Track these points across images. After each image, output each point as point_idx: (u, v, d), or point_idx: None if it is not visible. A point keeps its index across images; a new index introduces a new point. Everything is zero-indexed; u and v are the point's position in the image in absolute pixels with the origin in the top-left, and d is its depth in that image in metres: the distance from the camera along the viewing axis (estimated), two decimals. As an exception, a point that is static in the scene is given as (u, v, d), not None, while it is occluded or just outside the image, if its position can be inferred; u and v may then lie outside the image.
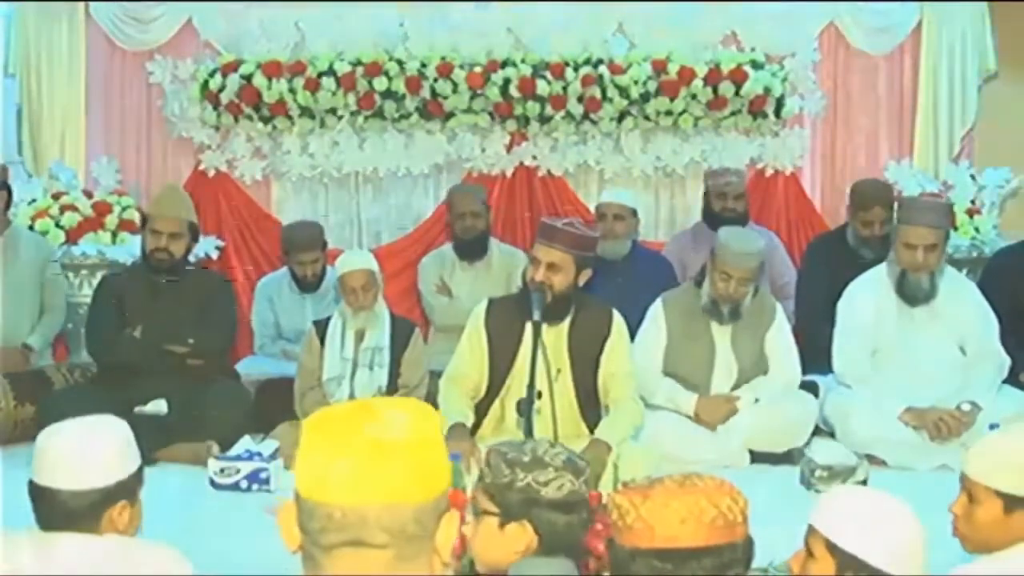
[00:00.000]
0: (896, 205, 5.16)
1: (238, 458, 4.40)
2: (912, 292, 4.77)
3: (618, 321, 4.14)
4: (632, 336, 4.37)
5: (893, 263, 4.81)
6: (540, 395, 3.67)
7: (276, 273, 5.98)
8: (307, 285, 5.74)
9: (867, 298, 4.87)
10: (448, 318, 5.53)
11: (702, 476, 1.95)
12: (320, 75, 6.23)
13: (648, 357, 4.69)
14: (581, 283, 4.00)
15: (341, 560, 1.39)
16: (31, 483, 2.28)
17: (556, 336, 4.01)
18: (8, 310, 5.20)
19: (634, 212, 5.70)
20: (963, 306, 4.86)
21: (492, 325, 4.08)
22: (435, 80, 6.21)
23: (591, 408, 4.12)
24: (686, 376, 4.76)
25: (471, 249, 5.81)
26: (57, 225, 6.04)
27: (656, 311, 4.82)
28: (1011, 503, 2.36)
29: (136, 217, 5.95)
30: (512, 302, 4.09)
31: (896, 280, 4.78)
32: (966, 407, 4.67)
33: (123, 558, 2.23)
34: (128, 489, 2.31)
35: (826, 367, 4.98)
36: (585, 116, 6.28)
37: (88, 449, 2.26)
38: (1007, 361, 4.84)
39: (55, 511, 2.24)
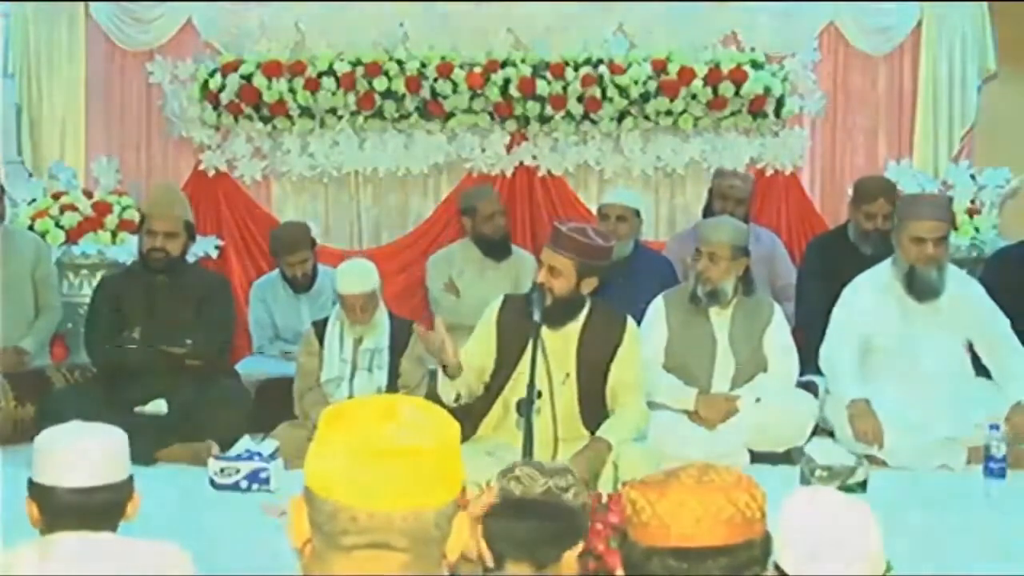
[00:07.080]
0: (897, 203, 5.16)
1: (238, 458, 4.39)
2: (922, 287, 4.76)
3: (632, 329, 4.11)
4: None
5: (899, 261, 4.80)
6: (540, 395, 3.66)
7: (269, 275, 5.95)
8: (299, 286, 5.72)
9: (866, 295, 4.86)
10: (454, 317, 5.52)
11: (719, 470, 1.87)
12: (320, 75, 6.23)
13: (649, 352, 4.68)
14: (585, 291, 3.96)
15: (359, 562, 1.38)
16: (42, 488, 2.28)
17: (564, 340, 3.98)
18: (3, 310, 5.19)
19: (637, 213, 5.68)
20: (968, 304, 4.85)
21: (503, 321, 4.08)
22: (435, 80, 6.20)
23: (593, 412, 4.08)
24: (688, 370, 4.77)
25: (500, 248, 5.81)
26: (57, 225, 6.04)
27: (657, 307, 4.83)
28: None
29: (136, 217, 5.94)
30: (523, 301, 4.09)
31: (905, 277, 4.77)
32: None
33: (129, 554, 2.26)
34: (132, 480, 2.39)
35: (827, 366, 4.98)
36: (585, 116, 6.28)
37: (107, 446, 2.34)
38: None
39: (85, 508, 2.27)
